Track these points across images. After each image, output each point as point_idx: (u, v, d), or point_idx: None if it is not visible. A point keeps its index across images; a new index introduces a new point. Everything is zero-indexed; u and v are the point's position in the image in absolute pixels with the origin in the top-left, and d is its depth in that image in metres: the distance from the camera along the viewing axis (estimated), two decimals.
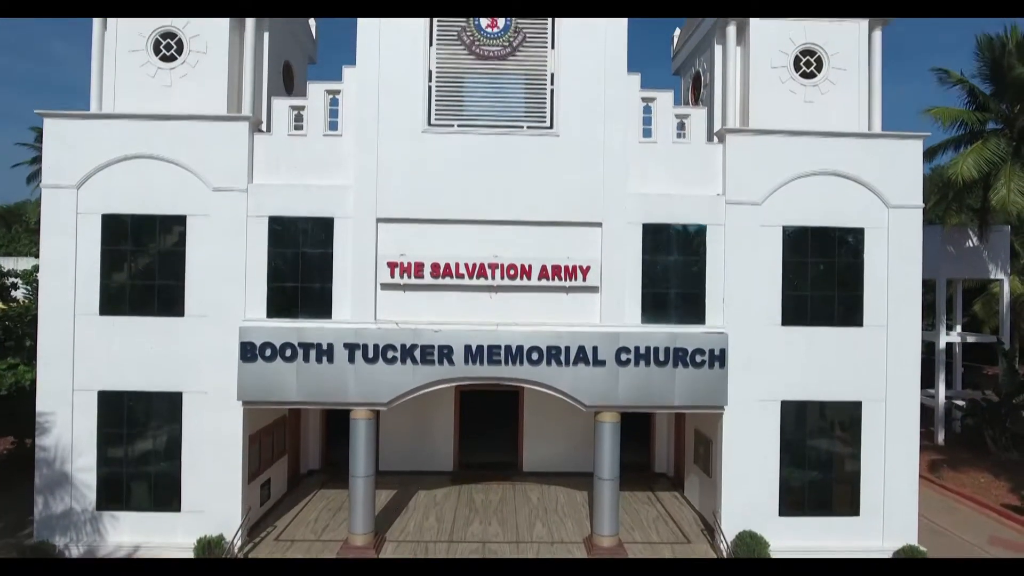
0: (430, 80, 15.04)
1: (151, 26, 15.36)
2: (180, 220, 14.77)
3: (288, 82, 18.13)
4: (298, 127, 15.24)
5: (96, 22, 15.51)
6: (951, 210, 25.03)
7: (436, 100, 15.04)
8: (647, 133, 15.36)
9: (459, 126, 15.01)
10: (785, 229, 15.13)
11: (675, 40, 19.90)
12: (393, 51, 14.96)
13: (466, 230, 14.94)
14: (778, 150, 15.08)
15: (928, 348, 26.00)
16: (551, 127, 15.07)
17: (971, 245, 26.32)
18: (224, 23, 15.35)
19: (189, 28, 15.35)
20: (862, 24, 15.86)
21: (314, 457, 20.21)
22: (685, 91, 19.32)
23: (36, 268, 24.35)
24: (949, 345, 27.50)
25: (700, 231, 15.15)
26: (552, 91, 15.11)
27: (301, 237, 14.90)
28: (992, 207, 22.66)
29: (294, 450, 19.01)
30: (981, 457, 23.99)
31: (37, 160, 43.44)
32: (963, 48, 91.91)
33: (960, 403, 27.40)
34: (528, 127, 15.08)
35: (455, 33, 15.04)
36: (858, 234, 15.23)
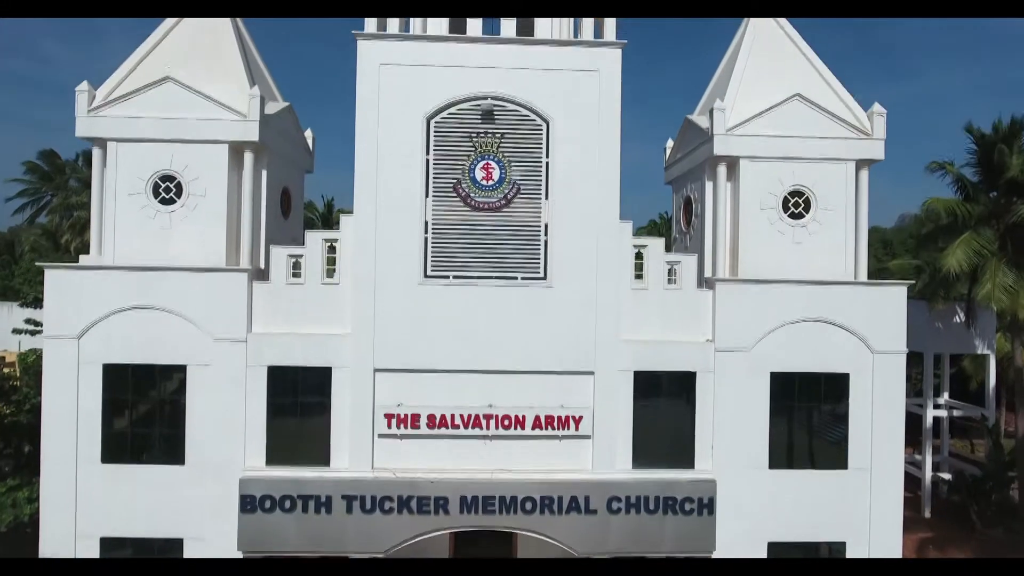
0: (426, 232, 15.31)
1: (151, 169, 15.59)
2: (180, 369, 15.08)
3: (285, 205, 18.34)
4: (296, 273, 15.51)
5: (96, 164, 15.79)
6: (938, 295, 25.43)
7: (432, 251, 15.32)
8: (638, 277, 15.70)
9: (455, 277, 15.31)
10: (773, 375, 15.53)
11: (667, 152, 20.17)
12: (390, 202, 15.21)
13: (462, 379, 15.28)
14: (766, 298, 15.46)
15: (914, 420, 26.42)
16: (544, 277, 15.39)
17: (958, 321, 26.77)
18: (223, 167, 15.59)
19: (188, 171, 15.58)
20: (849, 165, 16.21)
21: None
22: (677, 209, 19.63)
23: (34, 352, 24.53)
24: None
25: (690, 377, 15.53)
26: (545, 242, 15.41)
27: (300, 386, 15.23)
28: (978, 302, 23.05)
29: None
30: (967, 536, 24.48)
31: (24, 193, 43.18)
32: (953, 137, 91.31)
33: (946, 476, 27.92)
34: (522, 278, 15.39)
35: (451, 185, 15.31)
36: (843, 379, 15.66)
